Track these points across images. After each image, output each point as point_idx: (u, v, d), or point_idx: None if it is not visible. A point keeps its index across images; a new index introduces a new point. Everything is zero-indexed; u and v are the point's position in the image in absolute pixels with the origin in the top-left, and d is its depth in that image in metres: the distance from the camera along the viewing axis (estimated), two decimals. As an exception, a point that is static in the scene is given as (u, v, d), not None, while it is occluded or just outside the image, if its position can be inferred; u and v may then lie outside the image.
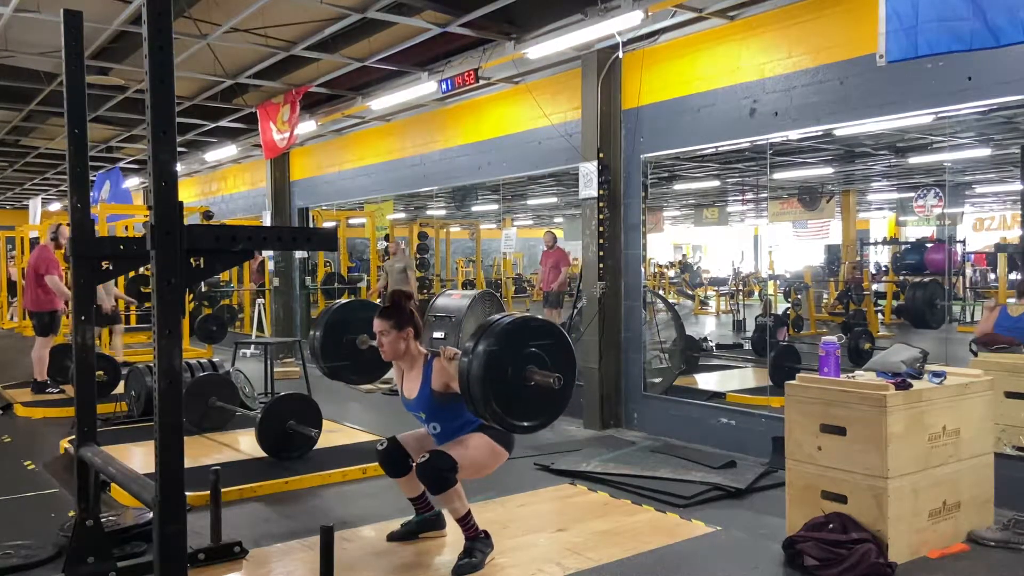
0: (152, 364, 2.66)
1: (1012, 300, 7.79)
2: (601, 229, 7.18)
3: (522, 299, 18.10)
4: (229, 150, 12.66)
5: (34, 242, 15.26)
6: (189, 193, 16.53)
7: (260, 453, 5.78)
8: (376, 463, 5.58)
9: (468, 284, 16.30)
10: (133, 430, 6.76)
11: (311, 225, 12.33)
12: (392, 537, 4.28)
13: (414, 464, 3.90)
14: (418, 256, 14.70)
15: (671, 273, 18.49)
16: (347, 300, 4.64)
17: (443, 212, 16.57)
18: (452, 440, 3.93)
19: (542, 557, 4.04)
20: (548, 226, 17.81)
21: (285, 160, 12.75)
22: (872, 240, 16.03)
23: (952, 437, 4.16)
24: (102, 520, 3.73)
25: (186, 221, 2.64)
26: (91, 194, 12.70)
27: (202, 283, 12.44)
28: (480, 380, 3.32)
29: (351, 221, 14.27)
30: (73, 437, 4.06)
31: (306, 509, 4.99)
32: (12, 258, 18.67)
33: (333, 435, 6.45)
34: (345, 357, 4.50)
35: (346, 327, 4.48)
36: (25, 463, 6.10)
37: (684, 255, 21.14)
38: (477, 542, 3.92)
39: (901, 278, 12.26)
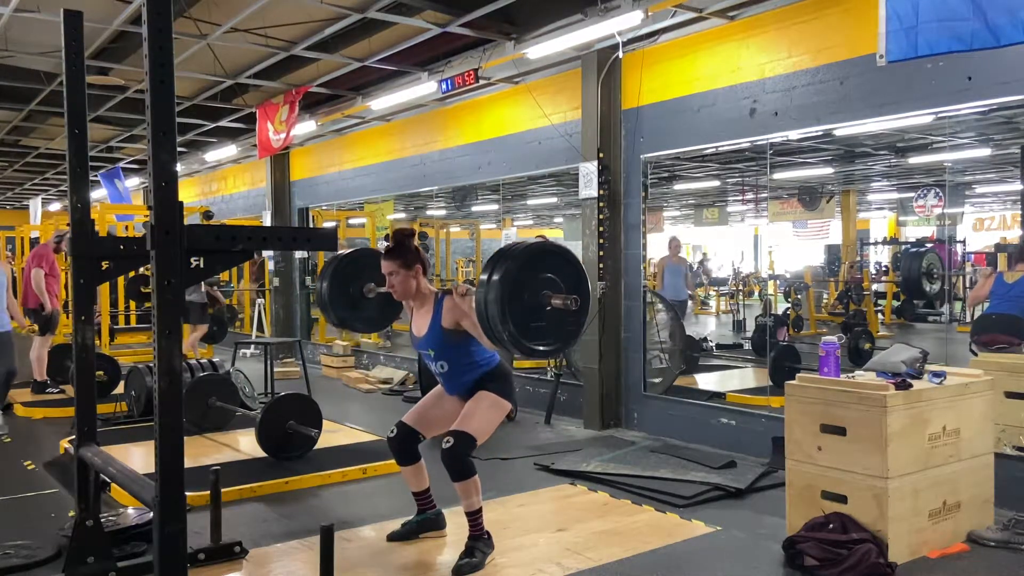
0: (152, 364, 2.66)
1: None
2: (601, 229, 7.18)
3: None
4: (229, 150, 12.66)
5: (34, 242, 15.27)
6: (189, 193, 16.52)
7: (260, 453, 5.78)
8: (376, 463, 5.70)
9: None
10: (133, 430, 6.77)
11: (311, 225, 12.33)
12: (392, 537, 4.28)
13: (442, 445, 3.88)
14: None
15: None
16: (351, 250, 4.60)
17: (443, 212, 16.56)
18: (462, 401, 3.98)
19: (542, 557, 4.05)
20: (548, 226, 17.80)
21: (285, 160, 12.75)
22: (872, 240, 16.04)
23: (952, 437, 4.16)
24: (102, 520, 3.73)
25: (186, 221, 2.64)
26: (110, 191, 12.64)
27: (202, 283, 12.43)
28: (498, 303, 3.33)
29: (351, 221, 14.26)
30: (73, 437, 4.06)
31: (306, 509, 4.99)
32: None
33: (333, 435, 6.45)
34: (353, 307, 4.48)
35: (352, 277, 4.44)
36: (25, 463, 6.10)
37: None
38: (479, 542, 3.93)
39: (901, 278, 12.25)
